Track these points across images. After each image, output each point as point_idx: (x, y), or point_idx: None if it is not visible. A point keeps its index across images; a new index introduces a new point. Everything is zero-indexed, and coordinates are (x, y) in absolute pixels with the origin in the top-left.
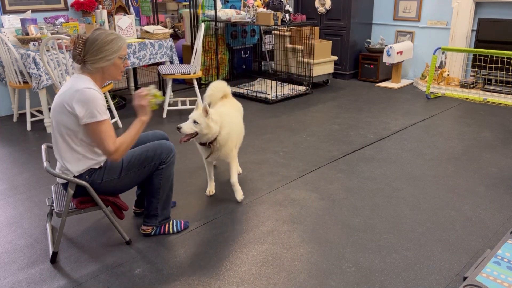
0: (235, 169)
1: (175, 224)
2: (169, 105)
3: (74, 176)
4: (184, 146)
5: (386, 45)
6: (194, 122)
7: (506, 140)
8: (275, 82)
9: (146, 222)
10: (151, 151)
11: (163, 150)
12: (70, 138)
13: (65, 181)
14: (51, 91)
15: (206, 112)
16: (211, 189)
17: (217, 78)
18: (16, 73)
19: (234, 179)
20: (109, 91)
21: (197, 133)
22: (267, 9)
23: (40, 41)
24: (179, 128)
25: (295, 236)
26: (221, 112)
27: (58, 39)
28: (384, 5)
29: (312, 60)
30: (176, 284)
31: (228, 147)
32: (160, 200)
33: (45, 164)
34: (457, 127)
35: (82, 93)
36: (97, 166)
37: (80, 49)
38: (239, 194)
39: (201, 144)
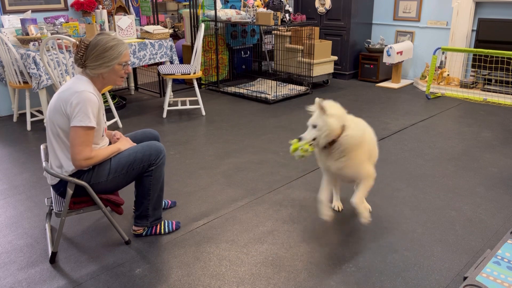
0: (364, 190)
1: (166, 224)
2: (169, 105)
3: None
4: (183, 146)
5: (386, 45)
6: (314, 126)
7: (506, 140)
8: (275, 82)
9: (138, 222)
10: (140, 153)
11: (152, 151)
12: (64, 138)
13: (55, 182)
14: (51, 91)
15: (322, 110)
16: (337, 204)
17: (217, 78)
18: (16, 73)
19: (357, 199)
20: (109, 91)
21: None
22: (267, 9)
23: (40, 41)
24: (300, 139)
25: (295, 236)
26: (350, 117)
27: (58, 39)
28: (384, 5)
29: (312, 60)
30: (176, 284)
31: (357, 157)
32: (151, 201)
33: (44, 164)
34: (457, 127)
35: (80, 95)
36: (85, 168)
37: (81, 54)
38: (363, 216)
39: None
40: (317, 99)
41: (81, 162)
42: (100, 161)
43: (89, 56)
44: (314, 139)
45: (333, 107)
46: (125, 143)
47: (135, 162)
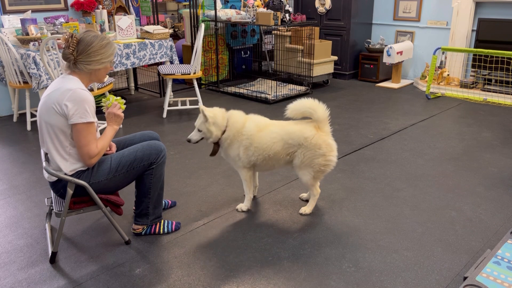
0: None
1: (166, 224)
2: (169, 105)
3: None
4: (183, 146)
5: (386, 45)
6: (198, 130)
7: (506, 140)
8: (275, 82)
9: (138, 221)
10: (140, 152)
11: (152, 150)
12: (62, 138)
13: (53, 180)
14: None
15: (205, 118)
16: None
17: (217, 78)
18: (16, 73)
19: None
20: (109, 91)
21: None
22: (267, 9)
23: (40, 41)
24: (189, 141)
25: (295, 236)
26: (241, 118)
27: (58, 39)
28: (384, 5)
29: (312, 60)
30: (176, 284)
31: (232, 152)
32: (152, 199)
33: (44, 164)
34: (457, 127)
35: (75, 92)
36: (84, 168)
37: (73, 49)
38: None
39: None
40: (201, 107)
41: (91, 160)
42: (105, 150)
43: (83, 51)
44: (202, 138)
45: (216, 117)
46: (117, 120)
47: (135, 161)
